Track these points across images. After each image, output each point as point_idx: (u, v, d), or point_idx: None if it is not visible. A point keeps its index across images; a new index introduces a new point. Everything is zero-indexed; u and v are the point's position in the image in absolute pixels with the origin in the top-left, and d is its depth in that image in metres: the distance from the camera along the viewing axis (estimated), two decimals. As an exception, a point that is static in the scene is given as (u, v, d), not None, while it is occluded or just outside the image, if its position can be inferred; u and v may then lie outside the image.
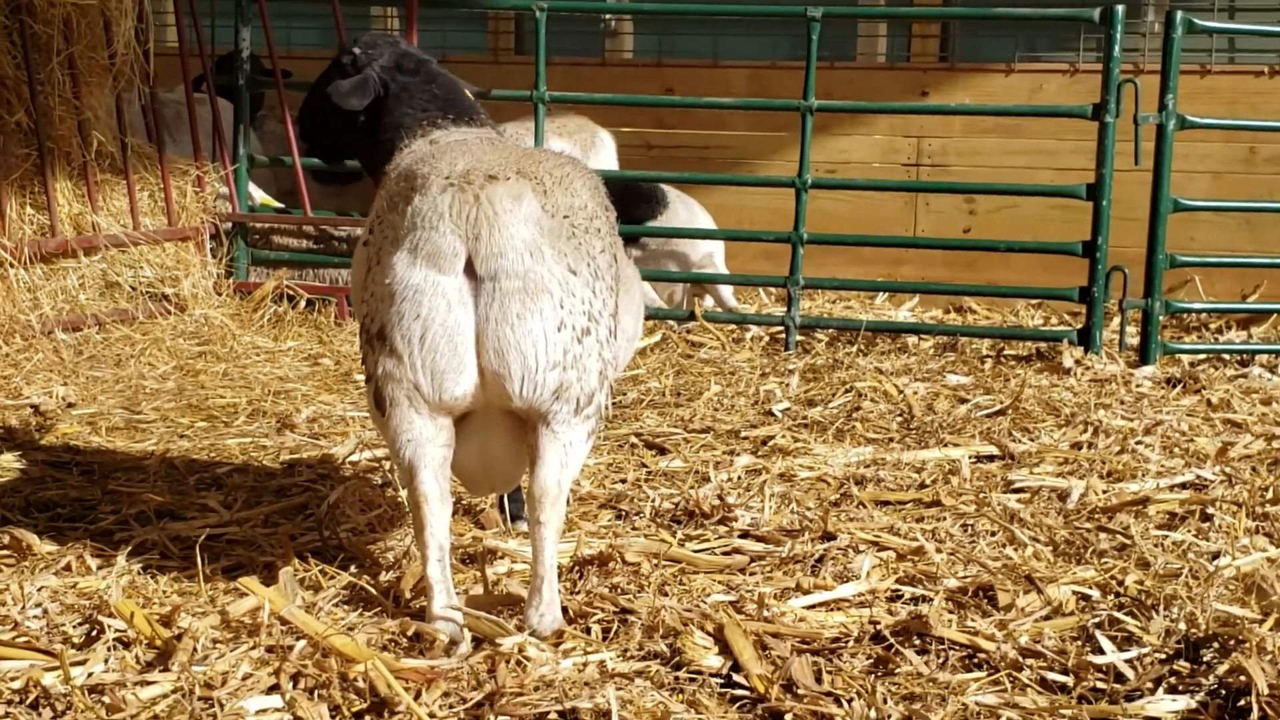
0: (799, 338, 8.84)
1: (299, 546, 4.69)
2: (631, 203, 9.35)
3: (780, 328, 8.98)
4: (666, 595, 4.36)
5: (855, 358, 8.28)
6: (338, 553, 4.66)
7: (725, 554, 4.74)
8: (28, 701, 3.47)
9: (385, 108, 4.85)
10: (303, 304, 9.23)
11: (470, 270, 3.92)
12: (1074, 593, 4.42)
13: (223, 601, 4.13)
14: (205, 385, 7.45)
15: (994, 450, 6.16)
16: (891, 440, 6.42)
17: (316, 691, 3.58)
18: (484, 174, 3.96)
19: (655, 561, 4.55)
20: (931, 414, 6.85)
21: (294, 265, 9.47)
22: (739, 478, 5.68)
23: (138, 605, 3.95)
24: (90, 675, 3.62)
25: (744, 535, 4.92)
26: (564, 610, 4.11)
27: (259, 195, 9.79)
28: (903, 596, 4.44)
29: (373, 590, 4.23)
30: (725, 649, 3.91)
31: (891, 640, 4.03)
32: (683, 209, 9.67)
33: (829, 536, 4.85)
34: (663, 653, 3.93)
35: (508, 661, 3.77)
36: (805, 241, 8.85)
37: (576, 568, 4.48)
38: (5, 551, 4.60)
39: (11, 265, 7.75)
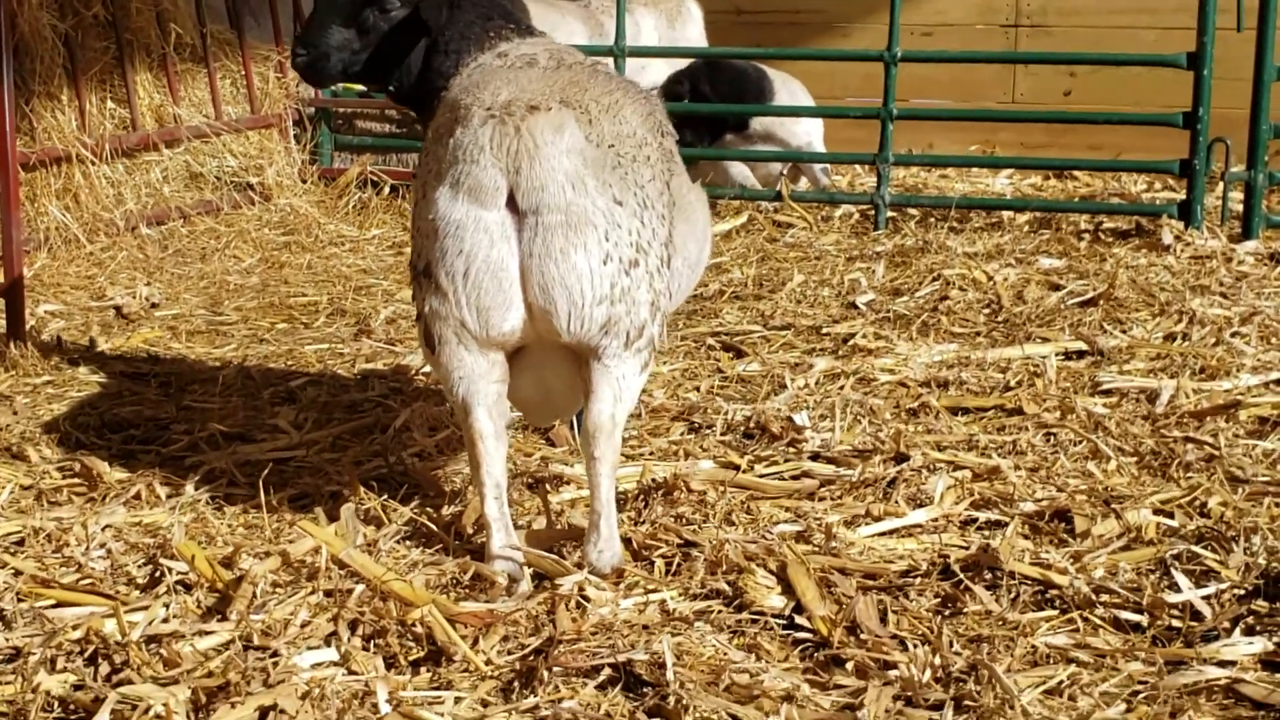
0: (889, 214, 8.65)
1: (365, 473, 4.66)
2: (739, 88, 9.18)
3: (869, 206, 8.78)
4: (733, 525, 4.28)
5: (946, 238, 8.08)
6: (403, 480, 4.63)
7: (794, 478, 4.64)
8: (86, 655, 3.47)
9: (451, 20, 4.74)
10: (386, 189, 9.18)
11: (513, 204, 3.81)
12: (1155, 513, 4.29)
13: (285, 539, 4.11)
14: (288, 280, 7.44)
15: (1083, 346, 5.99)
16: (978, 335, 6.27)
17: (374, 640, 3.55)
18: (526, 104, 3.83)
19: (721, 489, 4.46)
20: (1021, 304, 6.68)
21: (377, 150, 9.40)
22: (815, 383, 5.57)
23: (199, 546, 3.93)
24: (151, 624, 3.61)
25: (814, 457, 4.81)
26: (628, 543, 4.06)
27: (345, 78, 9.67)
28: (976, 522, 4.34)
29: (434, 527, 4.18)
30: (789, 588, 3.83)
31: (961, 575, 3.93)
32: (785, 94, 9.44)
33: (902, 457, 4.73)
34: (725, 591, 3.87)
35: (567, 604, 3.71)
36: (895, 117, 8.62)
37: (642, 495, 4.41)
38: (76, 481, 4.60)
39: (93, 162, 7.71)
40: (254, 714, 3.20)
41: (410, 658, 3.53)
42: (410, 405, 5.22)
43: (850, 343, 6.16)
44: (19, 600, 3.74)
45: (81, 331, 6.40)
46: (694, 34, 10.80)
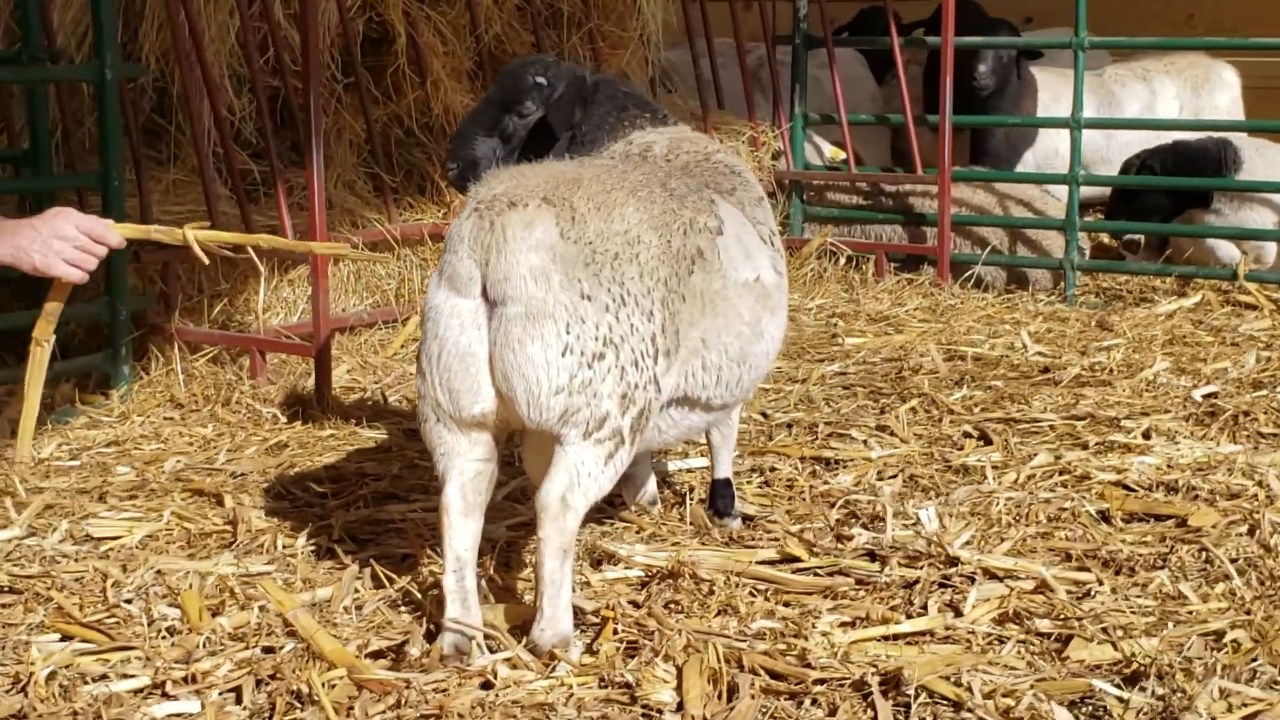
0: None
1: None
2: (1195, 167, 8.69)
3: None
4: (724, 615, 4.23)
5: None
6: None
7: (831, 574, 4.49)
8: (20, 685, 3.92)
9: (587, 115, 5.00)
10: (842, 260, 9.29)
11: (486, 294, 3.99)
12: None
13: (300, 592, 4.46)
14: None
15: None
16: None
17: (273, 697, 3.83)
18: (507, 200, 4.01)
19: (729, 578, 4.41)
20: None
21: (842, 221, 9.53)
22: (1017, 479, 5.31)
23: (201, 595, 4.36)
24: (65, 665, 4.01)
25: (870, 555, 4.64)
26: (581, 624, 4.13)
27: (827, 149, 9.89)
28: (990, 636, 4.08)
29: (418, 594, 4.40)
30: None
31: (873, 688, 3.73)
32: (1260, 163, 8.78)
33: (952, 562, 4.46)
34: (629, 683, 3.86)
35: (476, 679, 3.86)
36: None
37: (649, 580, 4.44)
38: (223, 526, 5.11)
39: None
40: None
41: (287, 717, 3.78)
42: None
43: (1114, 438, 5.74)
44: (37, 630, 4.27)
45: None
46: (1224, 103, 10.20)
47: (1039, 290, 8.95)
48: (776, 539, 4.82)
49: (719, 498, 5.10)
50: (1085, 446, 5.76)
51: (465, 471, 4.09)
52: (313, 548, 4.88)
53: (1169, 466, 5.45)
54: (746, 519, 5.05)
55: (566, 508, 3.99)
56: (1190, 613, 4.21)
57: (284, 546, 4.89)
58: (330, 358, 6.60)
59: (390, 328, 7.72)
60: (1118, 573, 4.56)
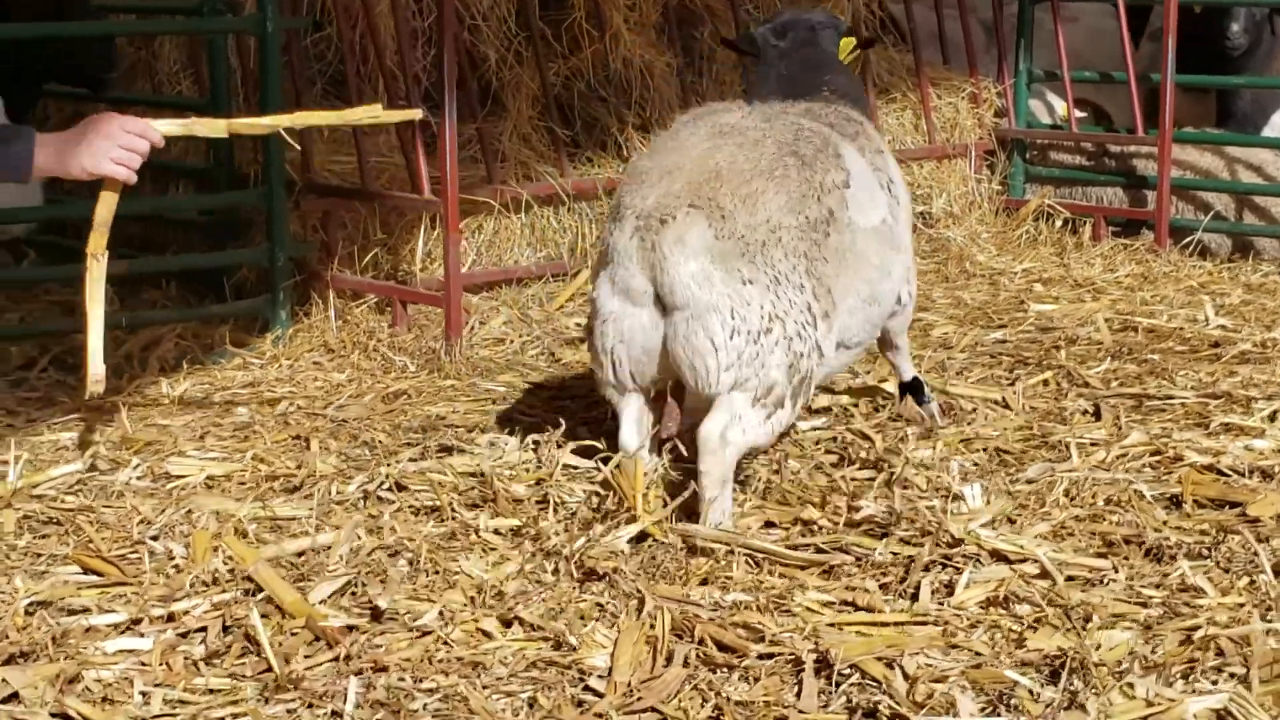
0: None
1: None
2: None
3: None
4: (708, 584, 4.15)
5: None
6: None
7: (834, 550, 4.34)
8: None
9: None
10: (1058, 223, 8.93)
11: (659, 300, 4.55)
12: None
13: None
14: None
15: None
16: None
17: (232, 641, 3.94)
18: (659, 217, 4.52)
19: (730, 549, 4.31)
20: None
21: (1063, 182, 9.15)
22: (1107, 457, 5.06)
23: (213, 535, 4.49)
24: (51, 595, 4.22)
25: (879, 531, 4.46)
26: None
27: (1059, 106, 9.49)
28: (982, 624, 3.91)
29: (409, 546, 4.44)
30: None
31: (806, 663, 3.63)
32: None
33: (952, 543, 4.26)
34: (574, 644, 3.83)
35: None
36: None
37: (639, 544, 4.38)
38: (292, 470, 5.24)
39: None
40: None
41: (234, 659, 3.87)
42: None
43: (1232, 419, 5.39)
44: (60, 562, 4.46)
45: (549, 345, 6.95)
46: None
47: (1267, 259, 8.41)
48: (808, 502, 4.68)
49: (913, 393, 5.53)
50: (1206, 426, 5.41)
51: (630, 414, 4.72)
52: (361, 494, 4.95)
53: (1276, 452, 5.07)
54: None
55: (725, 443, 4.44)
56: (1198, 607, 3.92)
57: (336, 492, 4.97)
58: (459, 308, 6.68)
59: (559, 281, 7.73)
60: (1158, 560, 4.29)
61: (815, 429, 5.51)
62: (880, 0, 9.36)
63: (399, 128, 7.01)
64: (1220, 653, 3.63)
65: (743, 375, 4.46)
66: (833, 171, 4.81)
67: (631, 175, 4.83)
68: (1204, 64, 8.95)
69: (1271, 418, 5.43)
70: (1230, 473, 4.89)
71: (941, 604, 4.03)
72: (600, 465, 4.76)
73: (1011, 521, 4.57)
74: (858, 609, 4.04)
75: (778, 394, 4.51)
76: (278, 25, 6.79)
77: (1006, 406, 5.74)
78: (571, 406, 5.93)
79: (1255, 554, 4.22)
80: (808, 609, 4.04)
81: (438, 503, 4.76)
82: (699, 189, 4.56)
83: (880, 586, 4.15)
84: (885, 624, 3.95)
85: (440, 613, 4.01)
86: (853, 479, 4.90)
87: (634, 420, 4.73)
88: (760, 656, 3.75)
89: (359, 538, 4.47)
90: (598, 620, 3.97)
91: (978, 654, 3.75)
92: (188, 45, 7.87)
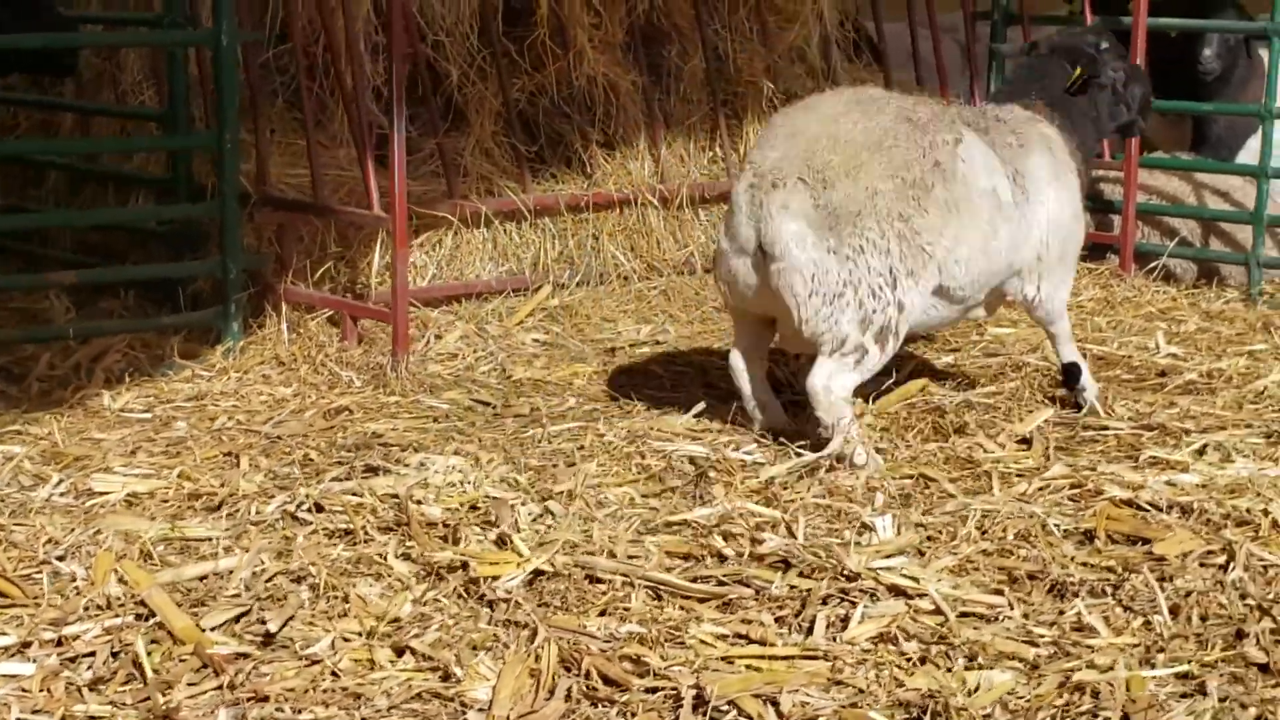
0: None
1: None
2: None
3: None
4: (607, 615, 4.15)
5: None
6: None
7: (735, 583, 4.34)
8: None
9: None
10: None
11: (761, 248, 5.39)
12: None
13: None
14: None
15: None
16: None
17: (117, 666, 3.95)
18: (771, 180, 5.36)
19: (630, 580, 4.30)
20: None
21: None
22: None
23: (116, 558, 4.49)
24: None
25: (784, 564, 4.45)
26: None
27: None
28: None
29: (312, 570, 4.44)
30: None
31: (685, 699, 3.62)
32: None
33: (850, 577, 4.25)
34: (461, 676, 3.84)
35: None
36: None
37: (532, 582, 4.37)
38: (216, 487, 5.24)
39: (656, 207, 8.17)
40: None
41: (118, 685, 3.88)
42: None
43: (1158, 453, 5.38)
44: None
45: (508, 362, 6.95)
46: None
47: (1232, 286, 8.37)
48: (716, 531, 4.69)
49: (1068, 375, 6.05)
50: (1135, 459, 5.40)
51: (742, 342, 5.72)
52: (279, 515, 4.96)
53: (1201, 487, 5.05)
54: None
55: (828, 392, 5.36)
56: (1087, 647, 3.92)
57: (256, 512, 4.98)
58: (406, 324, 6.68)
59: (521, 296, 7.74)
60: (1060, 597, 4.28)
61: (746, 453, 5.50)
62: (855, 19, 9.37)
63: (354, 141, 7.04)
64: (1095, 695, 3.62)
65: (819, 330, 5.33)
66: (945, 132, 5.55)
67: (766, 129, 5.73)
68: (1179, 89, 8.92)
69: (1200, 452, 5.41)
70: (1149, 508, 4.87)
71: (834, 639, 4.02)
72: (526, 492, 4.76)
73: (921, 554, 4.56)
74: (751, 642, 4.03)
75: (853, 343, 5.35)
76: (234, 39, 6.81)
77: (943, 432, 5.73)
78: (510, 425, 5.94)
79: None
80: (701, 641, 4.03)
81: (352, 526, 4.76)
82: (811, 158, 5.35)
83: (776, 620, 4.15)
84: (776, 658, 3.94)
85: (333, 641, 4.00)
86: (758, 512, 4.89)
87: (742, 344, 5.71)
88: (647, 690, 3.74)
89: (263, 562, 4.47)
90: (490, 650, 3.96)
91: (860, 691, 3.74)
92: (150, 57, 7.88)
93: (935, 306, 5.65)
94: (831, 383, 5.36)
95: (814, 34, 8.85)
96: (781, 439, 5.57)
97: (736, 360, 5.72)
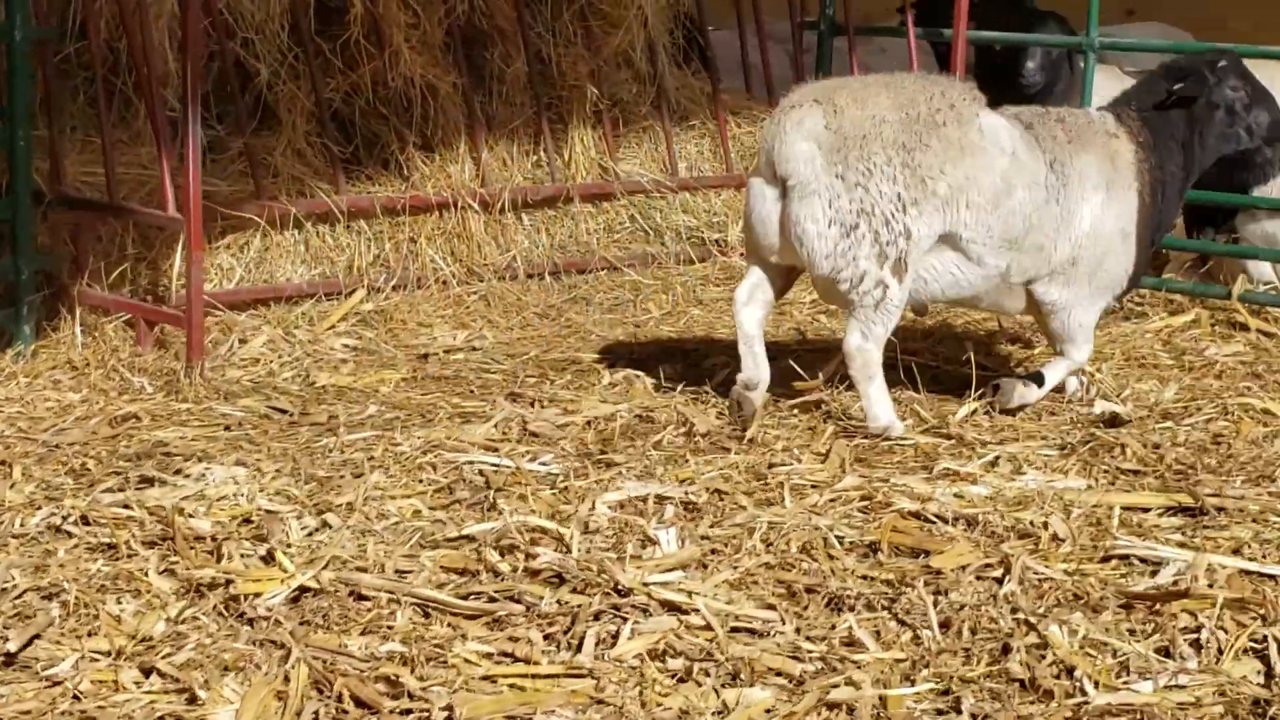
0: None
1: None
2: (1231, 168, 7.94)
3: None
4: (370, 634, 4.02)
5: None
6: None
7: (493, 600, 4.22)
8: None
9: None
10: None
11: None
12: None
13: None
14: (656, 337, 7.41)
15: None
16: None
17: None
18: (790, 103, 5.66)
19: (396, 597, 4.17)
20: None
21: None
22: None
23: None
24: None
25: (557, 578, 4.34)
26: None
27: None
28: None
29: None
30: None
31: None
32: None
33: (623, 592, 4.15)
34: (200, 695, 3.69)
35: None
36: None
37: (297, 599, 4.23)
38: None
39: (476, 211, 8.05)
40: None
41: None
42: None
43: (951, 465, 5.34)
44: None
45: (311, 369, 6.78)
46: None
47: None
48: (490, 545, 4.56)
49: (1022, 379, 6.06)
50: (930, 470, 5.36)
51: (750, 279, 5.84)
52: (44, 528, 4.77)
53: (989, 499, 5.02)
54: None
55: (862, 350, 5.63)
56: (852, 663, 3.85)
57: (20, 525, 4.79)
58: (200, 328, 6.50)
59: (333, 300, 7.58)
60: (837, 611, 4.20)
61: (543, 464, 5.39)
62: (685, 27, 9.31)
63: (150, 139, 6.86)
64: (851, 712, 3.55)
65: (838, 265, 5.52)
66: (966, 94, 5.74)
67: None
68: (1002, 100, 8.95)
69: (993, 464, 5.38)
70: (935, 520, 4.83)
71: (601, 656, 3.92)
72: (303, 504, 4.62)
73: (704, 567, 4.47)
74: (515, 660, 3.92)
75: (874, 278, 5.51)
76: (27, 34, 6.58)
77: (750, 441, 5.64)
78: (304, 434, 5.78)
79: (935, 606, 4.15)
80: (465, 660, 3.92)
81: (114, 540, 4.58)
82: (831, 90, 5.66)
83: (545, 637, 4.03)
84: (540, 676, 3.83)
85: (77, 661, 3.83)
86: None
87: (749, 283, 5.82)
88: (401, 712, 3.62)
89: (13, 578, 4.29)
90: (241, 671, 3.82)
91: (621, 711, 3.65)
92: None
93: (958, 266, 5.74)
94: (866, 341, 5.59)
95: (639, 39, 8.76)
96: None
97: (742, 293, 5.81)
